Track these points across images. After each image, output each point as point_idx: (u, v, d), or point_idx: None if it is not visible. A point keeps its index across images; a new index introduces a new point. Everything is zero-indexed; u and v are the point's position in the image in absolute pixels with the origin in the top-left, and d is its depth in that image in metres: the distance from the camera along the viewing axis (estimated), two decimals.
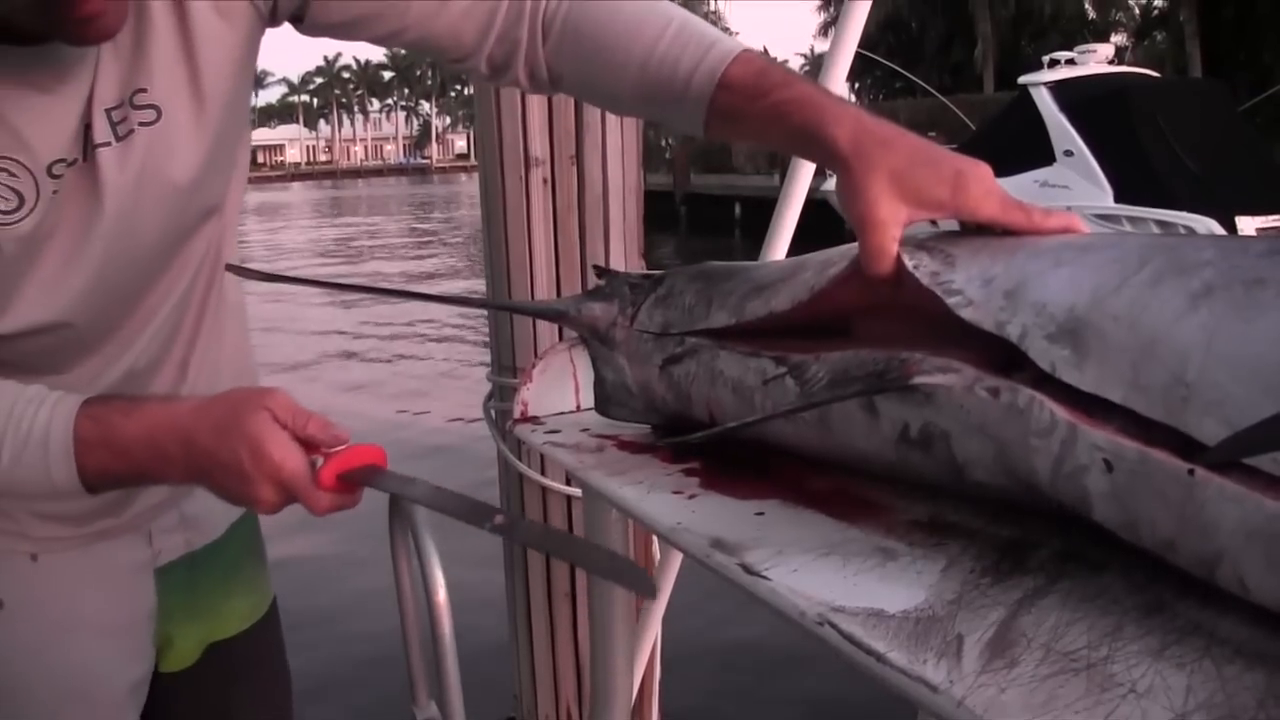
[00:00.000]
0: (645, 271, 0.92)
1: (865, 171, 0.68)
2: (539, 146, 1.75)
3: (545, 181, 1.77)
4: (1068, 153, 9.52)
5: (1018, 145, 9.80)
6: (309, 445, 0.74)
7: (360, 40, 0.89)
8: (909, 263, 0.67)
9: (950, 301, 0.63)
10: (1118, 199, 9.13)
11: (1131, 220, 8.87)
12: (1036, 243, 0.64)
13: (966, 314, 0.61)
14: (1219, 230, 8.32)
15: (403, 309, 9.64)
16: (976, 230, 0.69)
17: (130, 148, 0.78)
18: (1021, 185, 9.80)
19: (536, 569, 1.96)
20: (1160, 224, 8.62)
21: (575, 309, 0.91)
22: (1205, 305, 0.50)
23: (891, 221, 0.67)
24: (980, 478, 0.62)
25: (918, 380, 0.61)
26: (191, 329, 0.93)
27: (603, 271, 0.96)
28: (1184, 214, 8.48)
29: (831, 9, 34.71)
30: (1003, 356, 0.60)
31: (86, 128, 0.75)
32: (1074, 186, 9.42)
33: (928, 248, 0.68)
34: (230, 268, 0.95)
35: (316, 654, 3.73)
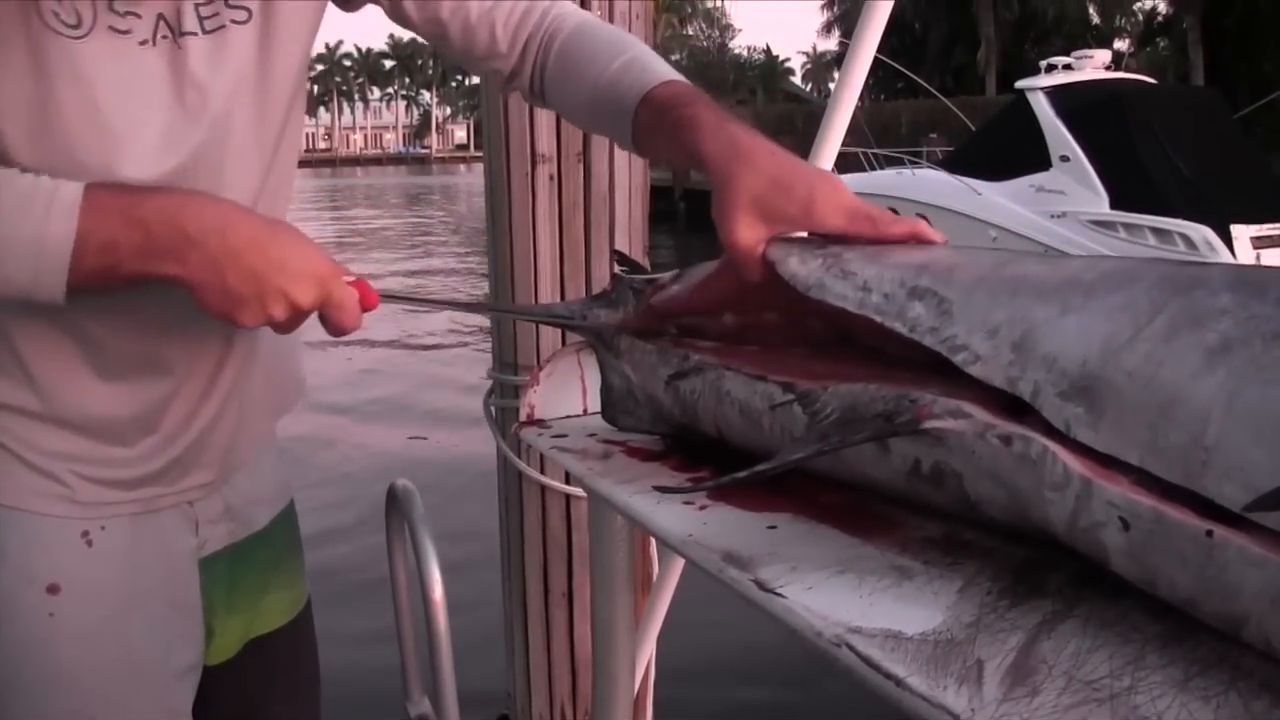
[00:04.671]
0: (650, 275, 0.91)
1: (727, 191, 0.75)
2: (545, 143, 1.75)
3: (551, 178, 1.77)
4: (1064, 158, 9.53)
5: (1014, 150, 9.81)
6: None
7: (408, 21, 0.95)
8: (891, 324, 0.66)
9: (957, 360, 0.61)
10: (1113, 205, 9.13)
11: (1127, 227, 8.89)
12: (1037, 281, 0.62)
13: (975, 371, 0.59)
14: (1214, 238, 8.34)
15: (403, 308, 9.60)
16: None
17: (220, 44, 0.80)
18: (1017, 190, 9.81)
19: (534, 568, 1.95)
20: (1155, 231, 8.64)
21: (581, 315, 0.90)
22: (1224, 363, 0.48)
23: (752, 243, 0.75)
24: (994, 515, 0.61)
25: (928, 425, 0.60)
26: None
27: (624, 258, 0.96)
28: (1179, 221, 8.50)
29: (835, 8, 34.71)
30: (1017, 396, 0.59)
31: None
32: (1070, 192, 9.42)
33: (919, 293, 0.66)
34: None
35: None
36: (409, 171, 60.51)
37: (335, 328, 0.79)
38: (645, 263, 2.05)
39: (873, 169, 13.15)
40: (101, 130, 0.76)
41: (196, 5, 0.79)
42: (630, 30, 1.76)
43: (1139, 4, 28.05)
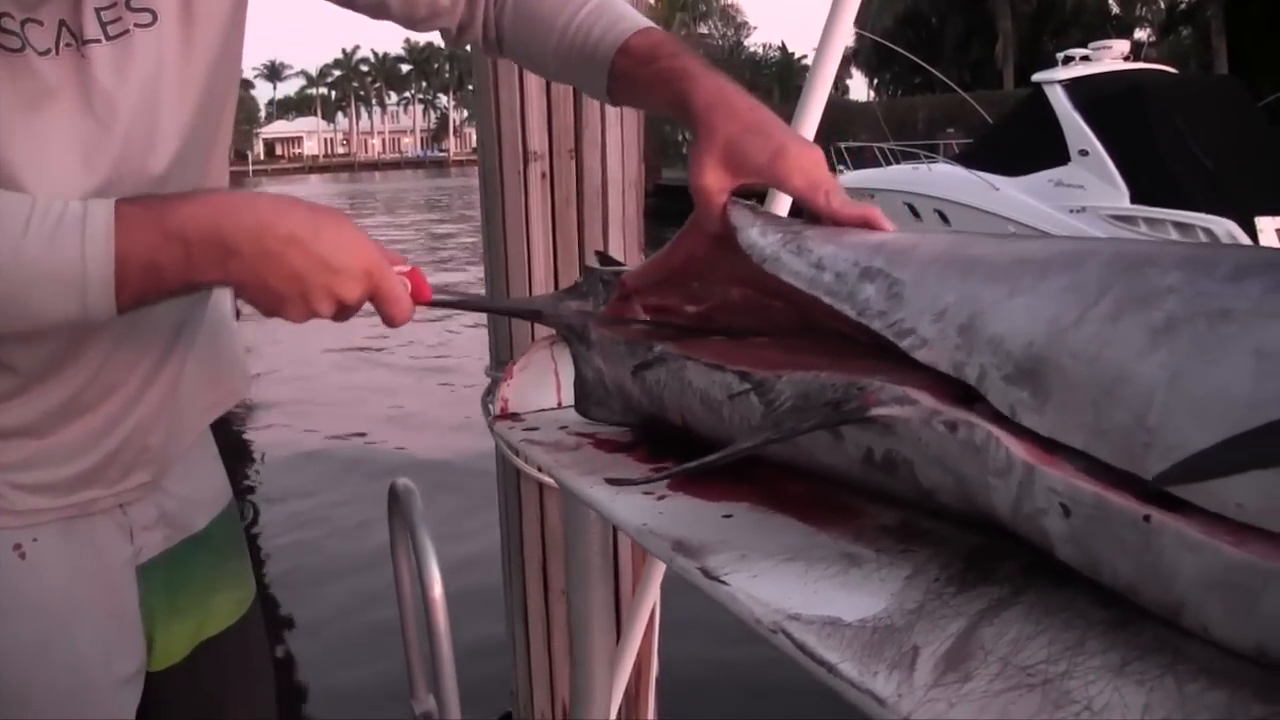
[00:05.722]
0: (618, 268, 0.90)
1: (705, 138, 0.76)
2: (537, 141, 1.74)
3: (544, 176, 1.76)
4: (1083, 152, 9.43)
5: (1032, 144, 9.72)
6: None
7: None
8: (840, 306, 0.65)
9: (904, 345, 0.60)
10: (1134, 199, 9.03)
11: (1148, 221, 8.78)
12: (990, 261, 0.61)
13: (922, 355, 0.59)
14: (1238, 231, 8.23)
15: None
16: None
17: (124, 50, 0.76)
18: (1036, 185, 9.73)
19: (534, 567, 1.95)
20: (1178, 225, 8.53)
21: (552, 308, 0.90)
22: (1167, 342, 0.47)
23: (716, 189, 0.76)
24: (946, 502, 0.60)
25: (875, 412, 0.60)
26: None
27: (606, 258, 0.96)
28: (1202, 215, 8.39)
29: None
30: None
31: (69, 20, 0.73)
32: (1089, 186, 9.33)
33: (871, 275, 0.65)
34: None
35: (321, 648, 3.75)
36: (427, 175, 60.73)
37: (386, 319, 0.77)
38: (643, 258, 2.04)
39: (888, 164, 13.08)
40: (14, 151, 0.72)
41: (97, 10, 0.75)
42: None
43: None
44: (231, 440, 5.81)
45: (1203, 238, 8.29)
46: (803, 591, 0.55)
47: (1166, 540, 0.46)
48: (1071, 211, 9.35)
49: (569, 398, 0.94)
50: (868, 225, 0.74)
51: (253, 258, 0.70)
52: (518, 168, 1.76)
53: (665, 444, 0.82)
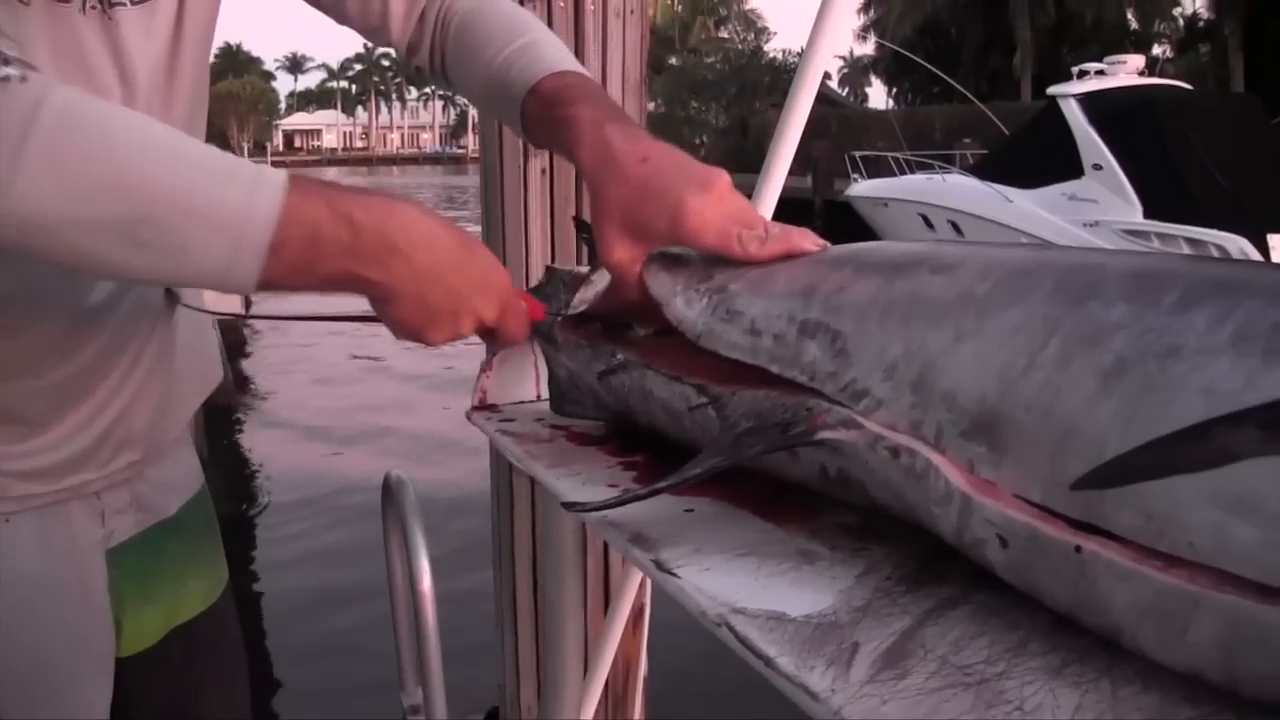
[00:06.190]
0: (575, 269, 0.91)
1: (599, 209, 0.73)
2: None
3: (543, 172, 1.77)
4: (1096, 166, 9.41)
5: (1046, 158, 9.70)
6: None
7: None
8: (789, 374, 0.64)
9: (859, 408, 0.59)
10: (1147, 215, 9.01)
11: (1161, 237, 8.76)
12: (930, 300, 0.59)
13: (879, 418, 0.57)
14: (1250, 248, 8.20)
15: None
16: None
17: (152, 14, 0.77)
18: (1049, 198, 9.70)
19: (524, 562, 1.95)
20: (1190, 241, 8.50)
21: None
22: (1118, 387, 0.46)
23: (627, 262, 0.73)
24: (899, 515, 0.60)
25: (821, 436, 0.59)
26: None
27: (582, 223, 0.95)
28: (1214, 231, 8.36)
29: (871, 11, 34.53)
30: None
31: None
32: (1102, 201, 9.31)
33: (810, 329, 0.63)
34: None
35: (317, 641, 3.77)
36: (445, 171, 60.91)
37: (504, 339, 0.76)
38: None
39: (902, 173, 13.06)
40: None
41: None
42: (624, 25, 1.76)
43: (1179, 9, 27.65)
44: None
45: (1215, 254, 8.26)
46: (752, 586, 0.55)
47: (1099, 570, 0.45)
48: (1085, 225, 9.33)
49: (547, 391, 0.94)
50: (790, 256, 0.71)
51: (422, 267, 0.68)
52: (518, 163, 1.76)
53: (636, 440, 0.82)
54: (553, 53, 0.87)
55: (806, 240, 0.72)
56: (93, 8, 0.75)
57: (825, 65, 1.04)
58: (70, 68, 0.75)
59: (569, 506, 0.66)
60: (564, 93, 0.81)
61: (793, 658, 0.47)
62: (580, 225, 0.96)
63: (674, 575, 0.57)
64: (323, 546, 4.61)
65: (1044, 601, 0.50)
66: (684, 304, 0.72)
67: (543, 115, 0.82)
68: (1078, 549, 0.46)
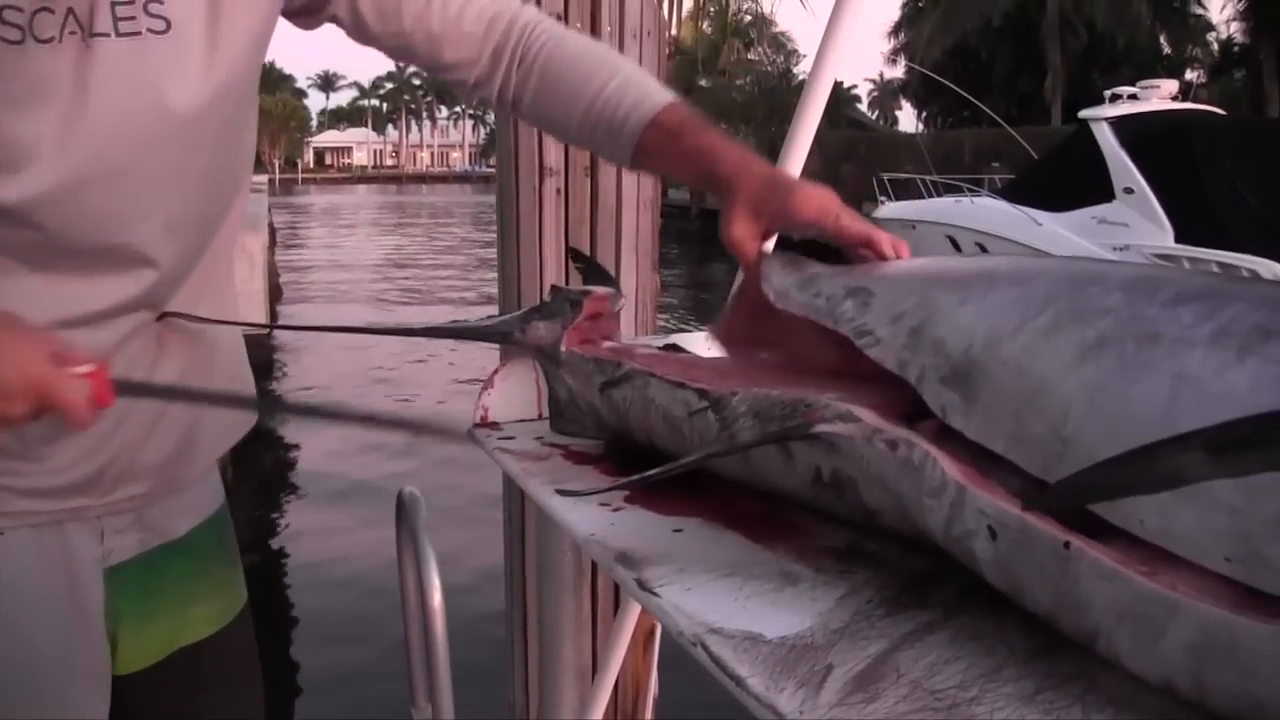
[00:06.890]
0: (584, 288, 0.91)
1: (731, 197, 0.84)
2: (553, 157, 1.76)
3: (558, 192, 1.78)
4: (1128, 190, 9.33)
5: (1077, 180, 9.63)
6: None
7: (370, 35, 0.95)
8: (823, 320, 0.69)
9: (860, 343, 0.63)
10: (1178, 239, 8.91)
11: (1192, 261, 8.64)
12: (955, 273, 0.63)
13: (874, 353, 0.61)
14: None
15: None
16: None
17: (132, 50, 0.79)
18: (1080, 221, 9.62)
19: (533, 582, 1.96)
20: (1222, 266, 8.39)
21: (519, 329, 0.91)
22: (1094, 359, 0.49)
23: (745, 237, 0.83)
24: (889, 523, 0.61)
25: (819, 429, 0.60)
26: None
27: (579, 255, 0.97)
28: (1246, 257, 8.25)
29: (902, 35, 34.56)
30: (914, 398, 0.59)
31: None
32: (1133, 225, 9.22)
33: (854, 293, 0.69)
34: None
35: (327, 654, 3.78)
36: (474, 190, 61.42)
37: (72, 422, 0.75)
38: (656, 278, 2.05)
39: (930, 196, 13.01)
40: None
41: (113, 4, 0.77)
42: (642, 48, 1.78)
43: (1213, 33, 27.44)
44: None
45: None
46: (731, 606, 0.55)
47: (1083, 568, 0.46)
48: (1115, 250, 9.24)
49: (548, 409, 0.95)
50: (872, 241, 0.79)
51: None
52: (533, 183, 1.77)
53: (633, 459, 0.82)
54: (653, 86, 0.95)
55: (886, 240, 0.79)
56: (71, 33, 0.76)
57: (829, 86, 1.05)
58: (17, 108, 0.76)
59: (564, 493, 0.69)
60: (686, 125, 0.91)
61: (764, 679, 0.48)
62: (576, 255, 0.99)
63: (654, 594, 0.57)
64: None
65: (1024, 602, 0.51)
66: (778, 277, 0.79)
67: (666, 145, 0.92)
68: (1066, 545, 0.46)
